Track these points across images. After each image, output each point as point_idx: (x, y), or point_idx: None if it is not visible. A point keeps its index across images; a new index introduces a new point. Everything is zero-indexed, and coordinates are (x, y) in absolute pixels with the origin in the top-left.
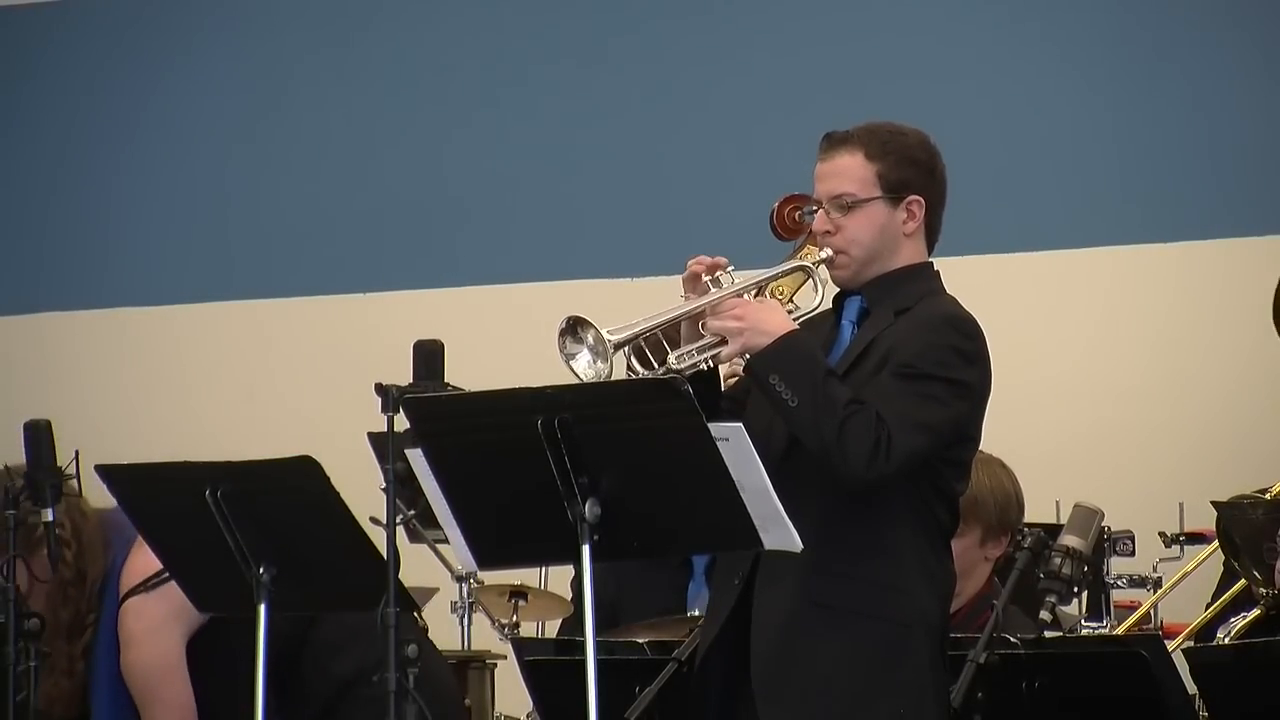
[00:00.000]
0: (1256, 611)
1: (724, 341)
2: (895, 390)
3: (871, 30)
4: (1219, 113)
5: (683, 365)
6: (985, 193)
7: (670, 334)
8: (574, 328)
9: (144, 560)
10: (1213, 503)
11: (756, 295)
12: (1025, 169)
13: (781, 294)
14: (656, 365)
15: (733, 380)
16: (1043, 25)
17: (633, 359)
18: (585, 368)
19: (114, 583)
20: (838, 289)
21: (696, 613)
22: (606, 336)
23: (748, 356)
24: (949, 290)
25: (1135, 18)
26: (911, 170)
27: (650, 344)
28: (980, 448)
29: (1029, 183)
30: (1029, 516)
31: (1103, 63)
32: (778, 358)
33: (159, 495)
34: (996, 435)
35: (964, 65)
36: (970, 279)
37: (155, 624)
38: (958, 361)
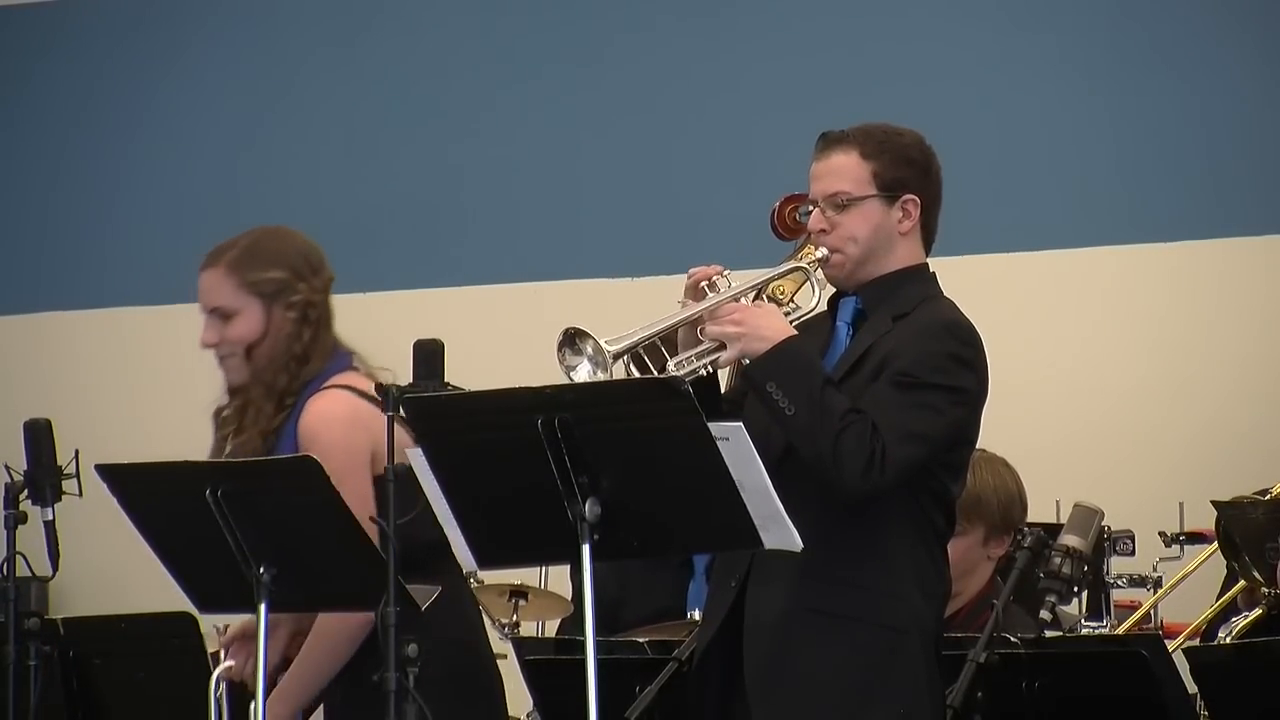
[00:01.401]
0: (1258, 611)
1: (722, 347)
2: (892, 400)
3: (871, 33)
4: (1217, 114)
5: (682, 372)
6: (986, 192)
7: (669, 340)
8: (572, 339)
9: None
10: (1213, 502)
11: (755, 298)
12: (1027, 169)
13: (783, 294)
14: (656, 373)
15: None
16: (1042, 27)
17: (632, 367)
18: (586, 378)
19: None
20: (834, 290)
21: (697, 613)
22: (605, 347)
23: (746, 362)
24: (951, 289)
25: (1134, 19)
26: (907, 169)
27: (649, 351)
28: (982, 447)
29: (1031, 182)
30: (1028, 516)
31: (1101, 63)
32: (776, 365)
33: (159, 495)
34: (996, 435)
35: (963, 68)
36: (971, 278)
37: (347, 420)
38: (956, 368)
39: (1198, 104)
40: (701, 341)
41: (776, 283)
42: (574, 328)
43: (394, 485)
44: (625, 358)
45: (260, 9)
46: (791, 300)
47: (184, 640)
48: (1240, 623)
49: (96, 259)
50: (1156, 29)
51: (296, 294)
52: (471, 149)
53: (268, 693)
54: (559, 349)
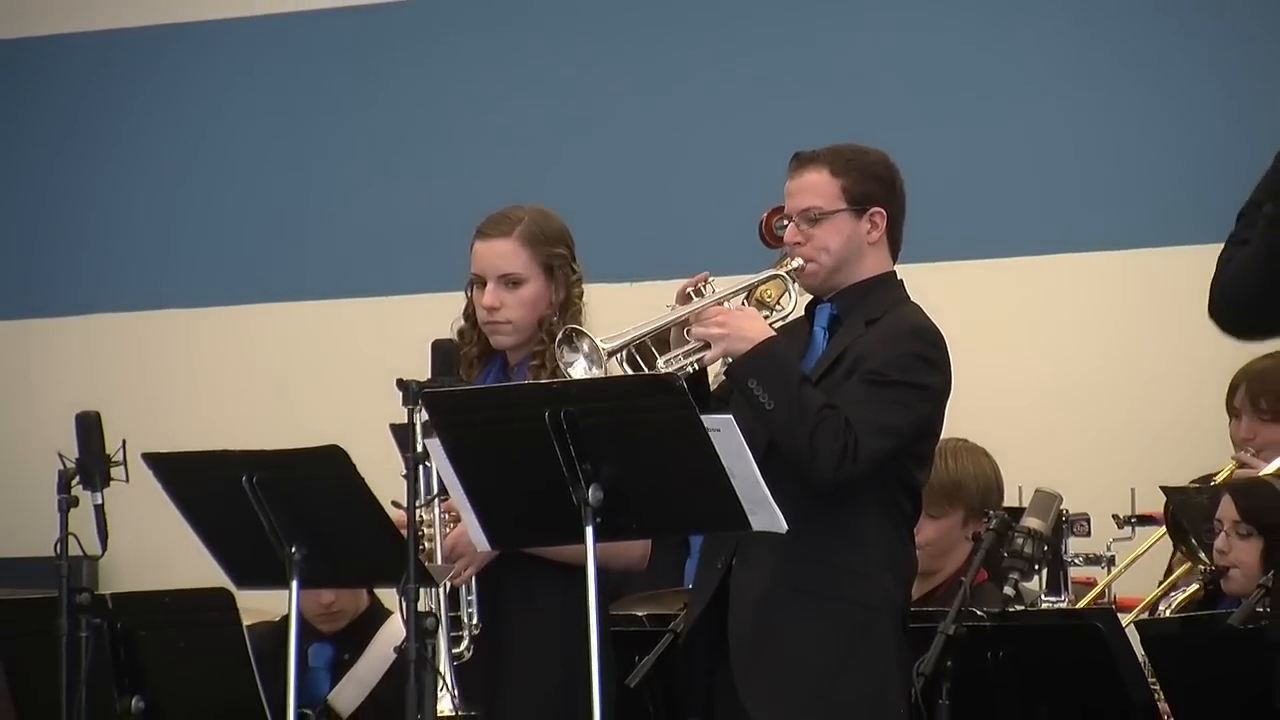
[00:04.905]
0: (1194, 587)
1: (707, 346)
2: (864, 396)
3: (851, 56)
4: (1159, 134)
5: (670, 369)
6: (959, 204)
7: (659, 340)
8: (570, 338)
9: None
10: (1162, 488)
11: (746, 300)
12: (999, 183)
13: (770, 298)
14: (646, 369)
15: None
16: (1009, 50)
17: (624, 365)
18: (582, 374)
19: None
20: (810, 297)
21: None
22: (600, 345)
23: (729, 360)
24: (926, 295)
25: (1099, 34)
26: (874, 185)
27: (640, 349)
28: (960, 437)
29: (1002, 195)
30: None
31: (1068, 76)
32: (756, 363)
33: (200, 481)
34: (969, 428)
35: (932, 87)
36: (945, 285)
37: None
38: (922, 368)
39: (1145, 120)
40: (688, 341)
41: (764, 288)
42: (572, 327)
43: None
44: (618, 355)
45: (290, 27)
46: (778, 304)
47: (221, 613)
48: (1179, 597)
49: (143, 265)
50: (1120, 44)
51: (574, 272)
52: (481, 166)
53: (300, 663)
54: (558, 346)
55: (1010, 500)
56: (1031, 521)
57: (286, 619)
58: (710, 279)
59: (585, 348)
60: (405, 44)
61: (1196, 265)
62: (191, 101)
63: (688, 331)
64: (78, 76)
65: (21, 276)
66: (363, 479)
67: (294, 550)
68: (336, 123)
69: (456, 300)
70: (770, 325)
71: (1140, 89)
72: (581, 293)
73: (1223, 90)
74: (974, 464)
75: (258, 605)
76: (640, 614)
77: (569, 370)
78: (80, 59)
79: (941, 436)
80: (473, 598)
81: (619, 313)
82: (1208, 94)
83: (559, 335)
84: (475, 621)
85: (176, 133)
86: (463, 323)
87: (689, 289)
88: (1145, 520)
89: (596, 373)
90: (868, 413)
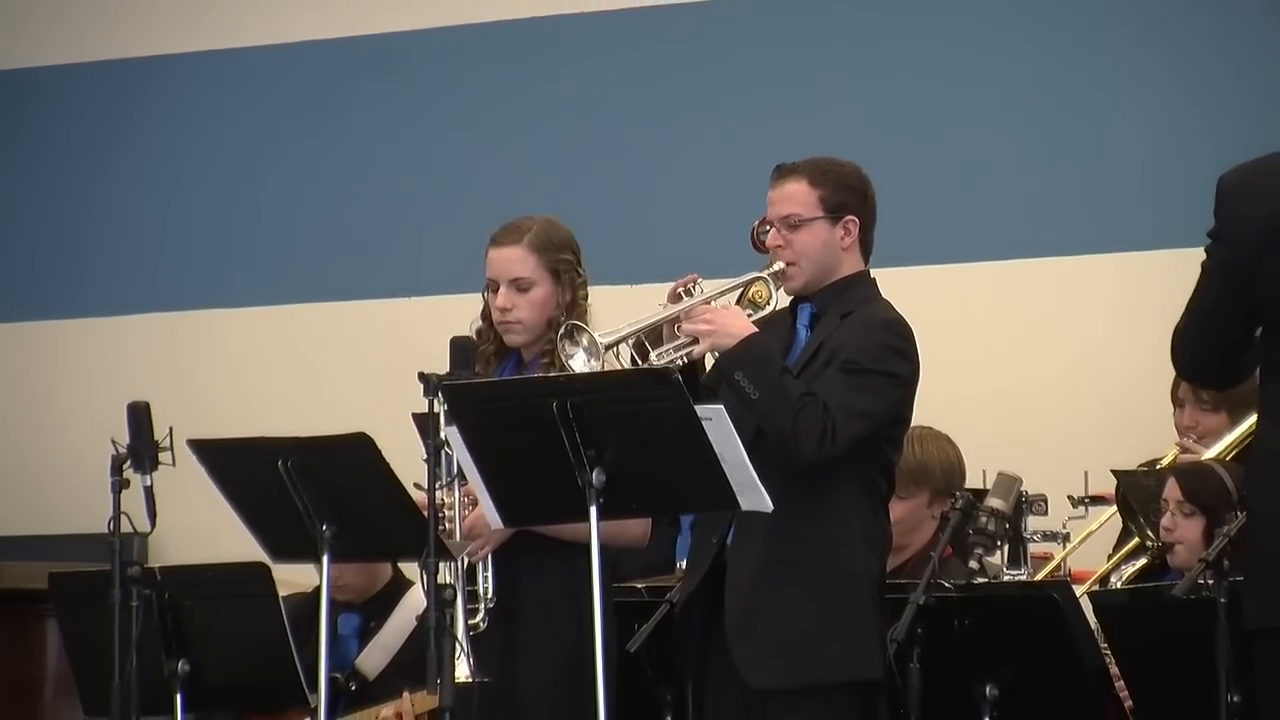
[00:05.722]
0: (1143, 560)
1: (696, 341)
2: (840, 384)
3: (830, 75)
4: (1115, 150)
5: (662, 362)
6: (934, 211)
7: (652, 335)
8: (571, 333)
9: None
10: (1113, 471)
11: (739, 300)
12: (971, 193)
13: (761, 297)
14: (640, 363)
15: None
16: (978, 76)
17: (621, 360)
18: (581, 365)
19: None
20: (790, 296)
21: (683, 564)
22: (598, 339)
23: (717, 354)
24: (905, 294)
25: (1058, 46)
26: (848, 194)
27: (634, 345)
28: (928, 425)
29: (972, 205)
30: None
31: (1023, 89)
32: (742, 357)
33: (240, 465)
34: (939, 416)
35: (905, 105)
36: (920, 288)
37: None
38: (893, 357)
39: (1103, 128)
40: (678, 337)
41: (753, 289)
42: (573, 323)
43: (438, 458)
44: (615, 349)
45: (321, 56)
46: (768, 303)
47: (259, 584)
48: (1128, 570)
49: (188, 269)
50: (1077, 58)
51: (579, 276)
52: (498, 179)
53: (331, 631)
54: (559, 340)
55: (974, 482)
56: (994, 501)
57: (318, 590)
58: (699, 280)
59: (584, 342)
60: (427, 70)
61: (1147, 269)
62: (237, 122)
63: (678, 328)
64: (150, 96)
65: (78, 279)
66: (387, 463)
67: (325, 528)
68: (364, 142)
69: (473, 301)
70: (753, 322)
71: (1100, 106)
72: (586, 294)
73: (1181, 106)
74: (938, 449)
75: (292, 578)
76: (639, 586)
77: (570, 362)
78: (169, 81)
79: (911, 424)
80: (489, 573)
81: (620, 312)
82: (1162, 115)
83: (560, 330)
84: (491, 595)
85: (224, 150)
86: (480, 323)
87: (679, 289)
88: (1097, 500)
89: (594, 365)
90: (844, 398)
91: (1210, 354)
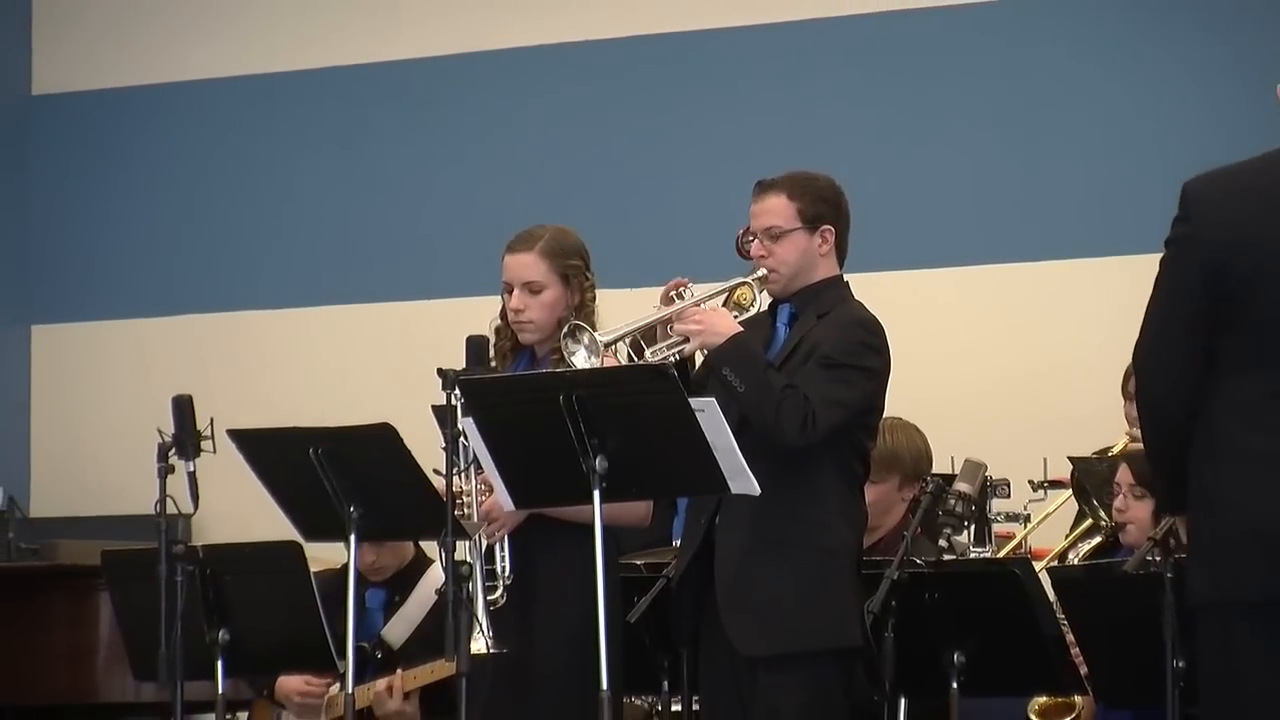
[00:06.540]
0: (1098, 539)
1: (686, 340)
2: (819, 377)
3: (811, 93)
4: (1072, 165)
5: (656, 359)
6: (909, 221)
7: (647, 334)
8: (573, 332)
9: None
10: (1069, 458)
11: (726, 302)
12: (940, 205)
13: (746, 300)
14: (636, 359)
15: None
16: (943, 89)
17: (620, 356)
18: (582, 362)
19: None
20: (771, 299)
21: (679, 542)
22: (598, 338)
23: (706, 351)
24: (881, 297)
25: (1026, 62)
26: (824, 206)
27: (631, 343)
28: (899, 415)
29: (942, 214)
30: (932, 468)
31: (1000, 103)
32: (729, 354)
33: (274, 452)
34: (911, 407)
35: (876, 120)
36: (894, 290)
37: None
38: (866, 352)
39: (1063, 140)
40: (670, 336)
41: (739, 292)
42: (575, 322)
43: (456, 446)
44: (614, 347)
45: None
46: (752, 305)
47: (292, 562)
48: (1084, 547)
49: (227, 273)
50: (1043, 74)
51: (587, 280)
52: (508, 188)
53: (358, 604)
54: (563, 338)
55: (943, 468)
56: (961, 485)
57: (346, 567)
58: (689, 284)
59: (586, 340)
60: (442, 92)
61: (1100, 275)
62: (271, 141)
63: (670, 328)
64: (199, 118)
65: (129, 284)
66: (409, 451)
67: (352, 510)
68: (386, 159)
69: (485, 303)
70: (739, 322)
71: (1053, 123)
72: (594, 297)
73: (1136, 121)
74: (908, 438)
75: (322, 555)
76: (638, 562)
77: (572, 358)
78: (215, 103)
79: (885, 415)
80: (505, 554)
81: (619, 313)
82: (1123, 128)
83: (564, 329)
84: (508, 573)
85: (262, 168)
86: (499, 322)
87: (670, 292)
88: (1055, 484)
89: (595, 361)
90: (823, 390)
91: (1174, 381)
